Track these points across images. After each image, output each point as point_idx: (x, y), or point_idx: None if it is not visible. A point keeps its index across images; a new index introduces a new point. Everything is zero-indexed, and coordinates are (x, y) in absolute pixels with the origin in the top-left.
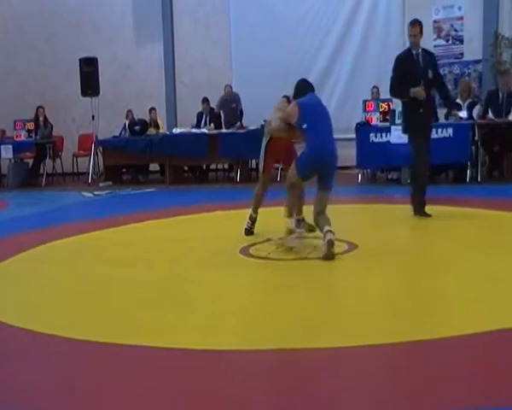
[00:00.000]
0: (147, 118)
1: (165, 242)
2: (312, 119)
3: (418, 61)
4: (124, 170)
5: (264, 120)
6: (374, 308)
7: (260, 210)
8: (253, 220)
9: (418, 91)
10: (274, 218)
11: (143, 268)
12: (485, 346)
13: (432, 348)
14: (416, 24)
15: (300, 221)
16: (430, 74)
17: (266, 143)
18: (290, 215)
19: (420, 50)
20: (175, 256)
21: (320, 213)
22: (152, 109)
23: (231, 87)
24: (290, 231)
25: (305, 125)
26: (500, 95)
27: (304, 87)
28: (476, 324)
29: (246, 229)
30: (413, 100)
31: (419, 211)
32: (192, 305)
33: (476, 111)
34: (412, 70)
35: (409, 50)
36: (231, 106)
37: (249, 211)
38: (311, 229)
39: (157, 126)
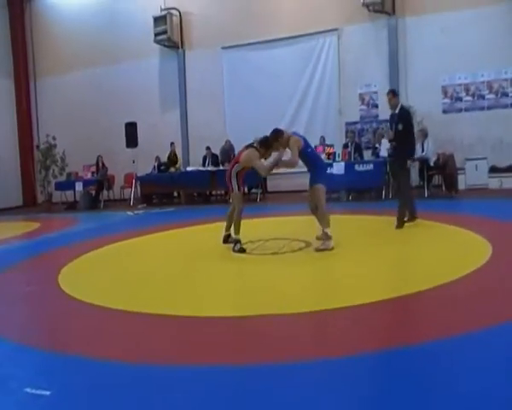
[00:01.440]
0: (168, 152)
1: (184, 244)
2: (308, 143)
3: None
4: (154, 196)
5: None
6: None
7: (243, 222)
8: (239, 241)
9: (388, 133)
10: (251, 227)
11: (169, 262)
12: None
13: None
14: (389, 92)
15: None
16: (399, 127)
17: (237, 171)
18: (328, 225)
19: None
20: (190, 252)
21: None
22: (172, 143)
23: (230, 141)
24: (329, 237)
25: (309, 149)
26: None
27: (281, 130)
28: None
29: (239, 250)
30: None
31: (401, 225)
32: (209, 285)
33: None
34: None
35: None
36: (228, 153)
37: (233, 235)
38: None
39: (175, 157)
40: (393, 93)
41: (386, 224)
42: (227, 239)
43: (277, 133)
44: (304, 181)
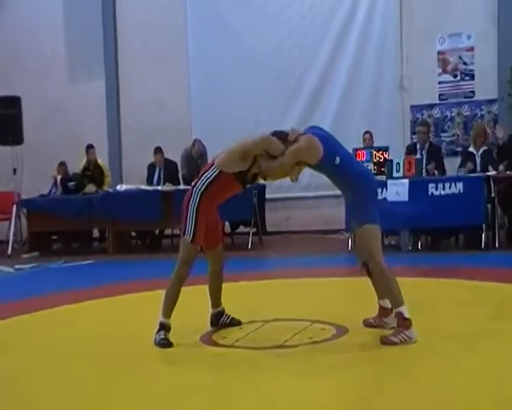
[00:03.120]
0: (83, 160)
1: (107, 328)
2: (336, 147)
3: None
4: (54, 237)
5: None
6: None
7: (223, 286)
8: (167, 329)
9: None
10: (239, 296)
11: (79, 364)
12: None
13: None
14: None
15: (222, 314)
16: None
17: (198, 201)
18: (402, 301)
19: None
20: (118, 349)
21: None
22: (90, 147)
23: (201, 143)
24: (410, 323)
25: (337, 160)
26: None
27: (283, 132)
28: None
29: (160, 343)
30: None
31: None
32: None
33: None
34: None
35: None
36: (197, 162)
37: (160, 318)
38: (235, 322)
39: (98, 169)
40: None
41: (494, 297)
42: (218, 319)
43: (279, 134)
44: (334, 212)
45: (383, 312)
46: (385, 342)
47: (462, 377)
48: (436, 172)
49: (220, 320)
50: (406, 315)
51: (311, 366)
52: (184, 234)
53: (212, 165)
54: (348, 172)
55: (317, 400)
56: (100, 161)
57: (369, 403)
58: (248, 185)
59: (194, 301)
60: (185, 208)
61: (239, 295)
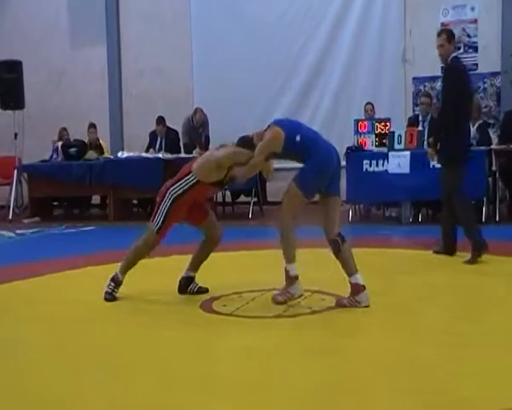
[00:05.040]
0: (85, 138)
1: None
2: (297, 127)
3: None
4: (55, 203)
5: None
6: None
7: (223, 255)
8: (118, 283)
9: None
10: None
11: (88, 327)
12: None
13: None
14: (442, 32)
15: (192, 281)
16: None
17: (169, 205)
18: (293, 259)
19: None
20: (122, 312)
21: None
22: (91, 127)
23: (203, 111)
24: (296, 278)
25: (298, 137)
26: None
27: (246, 136)
28: None
29: (107, 292)
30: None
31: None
32: (137, 373)
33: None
34: None
35: None
36: (197, 131)
37: (117, 270)
38: (202, 290)
39: (99, 149)
40: (448, 35)
41: (494, 269)
42: (187, 285)
43: (244, 141)
44: None
45: (354, 289)
46: (274, 299)
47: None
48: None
49: (189, 287)
50: (292, 272)
51: (309, 337)
52: (153, 221)
53: (189, 172)
54: (310, 144)
55: (315, 371)
56: (101, 142)
57: (364, 369)
58: (226, 186)
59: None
60: (158, 203)
61: (239, 265)
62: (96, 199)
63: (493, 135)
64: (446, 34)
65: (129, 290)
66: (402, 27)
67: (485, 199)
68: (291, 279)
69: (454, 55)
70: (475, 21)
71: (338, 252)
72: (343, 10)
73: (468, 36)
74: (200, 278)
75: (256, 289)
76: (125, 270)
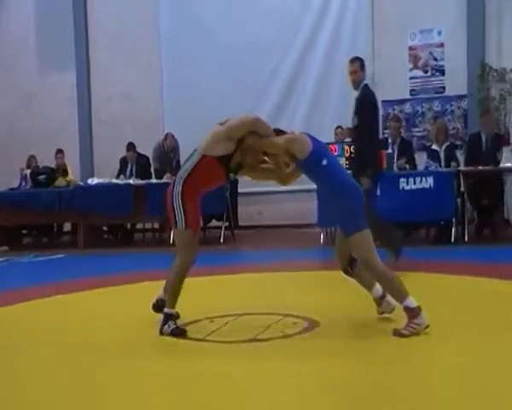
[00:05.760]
0: (53, 164)
1: (76, 323)
2: (326, 151)
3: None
4: (24, 232)
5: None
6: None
7: (194, 280)
8: (175, 318)
9: None
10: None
11: (46, 355)
12: None
13: None
14: (355, 59)
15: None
16: (354, 121)
17: (181, 189)
18: (406, 293)
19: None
20: (88, 341)
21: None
22: (58, 152)
23: (173, 136)
24: (419, 309)
25: (325, 161)
26: (483, 138)
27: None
28: None
29: (173, 330)
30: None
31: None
32: (110, 404)
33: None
34: None
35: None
36: (168, 156)
37: (165, 310)
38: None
39: (66, 175)
40: (361, 63)
41: (463, 290)
42: (161, 306)
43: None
44: (306, 206)
45: (378, 302)
46: (395, 334)
47: (429, 366)
48: (407, 167)
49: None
50: (412, 305)
51: (282, 360)
52: (176, 225)
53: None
54: (334, 176)
55: (288, 393)
56: (67, 167)
57: (337, 395)
58: (232, 176)
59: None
60: (169, 199)
61: (211, 290)
62: (66, 226)
63: (460, 156)
64: (359, 62)
65: (97, 319)
66: (371, 51)
67: (454, 220)
68: (413, 311)
69: (365, 82)
70: (442, 45)
71: (351, 275)
72: (313, 35)
73: (435, 59)
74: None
75: (228, 313)
76: (172, 303)
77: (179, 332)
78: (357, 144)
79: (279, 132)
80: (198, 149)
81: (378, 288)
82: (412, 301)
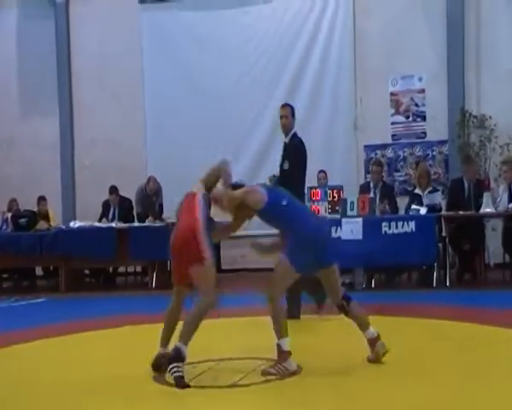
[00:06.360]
0: (36, 208)
1: (57, 367)
2: (284, 196)
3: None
4: (4, 275)
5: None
6: None
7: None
8: (183, 360)
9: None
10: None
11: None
12: None
13: None
14: (286, 105)
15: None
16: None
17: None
18: (285, 333)
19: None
20: (69, 385)
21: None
22: (41, 199)
23: (156, 180)
24: (289, 353)
25: (284, 202)
26: (466, 185)
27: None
28: None
29: (177, 378)
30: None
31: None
32: None
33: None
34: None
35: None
36: (151, 199)
37: (178, 344)
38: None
39: (48, 220)
40: (292, 109)
41: (445, 335)
42: (159, 363)
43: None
44: None
45: (370, 343)
46: (263, 373)
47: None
48: (388, 209)
49: (161, 363)
50: (285, 348)
51: (261, 407)
52: (203, 261)
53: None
54: (289, 215)
55: None
56: (50, 213)
57: None
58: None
59: (151, 338)
60: (192, 234)
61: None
62: (46, 269)
63: (442, 201)
64: (290, 108)
65: (80, 363)
66: (353, 96)
67: (435, 264)
68: (284, 354)
69: (294, 130)
70: (423, 91)
71: (347, 314)
72: (296, 80)
73: (417, 105)
74: (153, 348)
75: (211, 358)
76: (187, 340)
77: (182, 385)
78: (284, 187)
79: (237, 187)
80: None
81: (372, 330)
82: (287, 345)
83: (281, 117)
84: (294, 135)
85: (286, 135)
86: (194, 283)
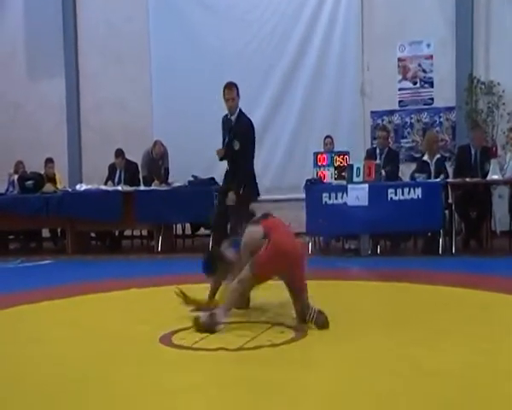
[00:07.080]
0: (42, 171)
1: (64, 328)
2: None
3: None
4: (11, 237)
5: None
6: None
7: (183, 288)
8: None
9: (217, 151)
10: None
11: (32, 364)
12: None
13: None
14: (232, 85)
15: None
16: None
17: None
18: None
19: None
20: (76, 348)
21: None
22: (48, 161)
23: (162, 144)
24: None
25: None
26: (472, 151)
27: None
28: None
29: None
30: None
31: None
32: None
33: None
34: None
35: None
36: (157, 163)
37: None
38: None
39: (55, 183)
40: (237, 89)
41: (451, 301)
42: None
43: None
44: (295, 215)
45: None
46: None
47: (424, 379)
48: (384, 175)
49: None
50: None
51: (268, 369)
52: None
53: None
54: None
55: (275, 402)
56: (57, 176)
57: (323, 404)
58: None
59: (157, 301)
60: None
61: (200, 297)
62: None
63: (449, 168)
64: (235, 88)
65: (84, 326)
66: (360, 62)
67: (441, 231)
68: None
69: (239, 108)
70: (431, 57)
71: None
72: (302, 45)
73: (424, 71)
74: (158, 311)
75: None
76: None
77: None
78: (233, 165)
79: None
80: None
81: None
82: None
83: (227, 100)
84: (241, 112)
85: (232, 115)
86: (299, 286)
